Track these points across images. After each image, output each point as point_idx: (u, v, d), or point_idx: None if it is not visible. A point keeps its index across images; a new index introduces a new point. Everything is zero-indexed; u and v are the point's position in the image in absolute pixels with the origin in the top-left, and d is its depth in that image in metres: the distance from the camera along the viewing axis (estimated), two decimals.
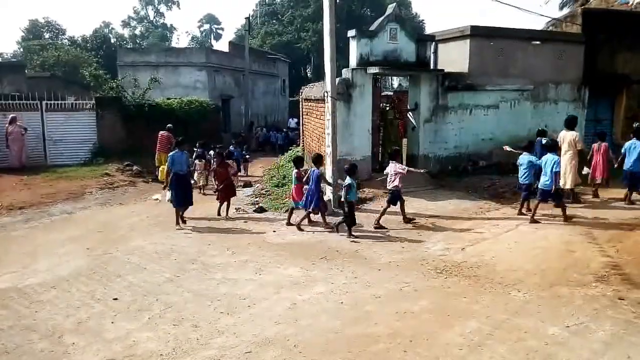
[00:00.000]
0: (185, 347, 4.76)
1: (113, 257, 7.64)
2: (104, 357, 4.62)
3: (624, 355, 4.38)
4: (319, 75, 38.43)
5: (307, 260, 7.23)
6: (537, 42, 13.89)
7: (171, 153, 9.79)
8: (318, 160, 9.37)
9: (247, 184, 14.45)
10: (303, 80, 37.79)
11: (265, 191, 12.93)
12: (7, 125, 15.61)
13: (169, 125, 15.50)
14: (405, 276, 6.49)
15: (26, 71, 27.30)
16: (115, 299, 5.98)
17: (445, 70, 12.78)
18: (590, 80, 14.65)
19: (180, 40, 76.96)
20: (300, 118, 17.32)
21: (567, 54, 14.28)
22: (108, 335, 5.07)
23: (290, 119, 29.04)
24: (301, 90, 17.21)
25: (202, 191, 13.32)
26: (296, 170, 9.61)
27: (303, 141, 16.75)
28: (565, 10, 26.49)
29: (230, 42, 36.17)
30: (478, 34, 13.16)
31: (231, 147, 16.86)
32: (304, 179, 9.40)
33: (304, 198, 9.25)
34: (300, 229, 9.06)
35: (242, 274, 6.75)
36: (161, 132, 15.16)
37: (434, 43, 13.41)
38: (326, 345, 4.69)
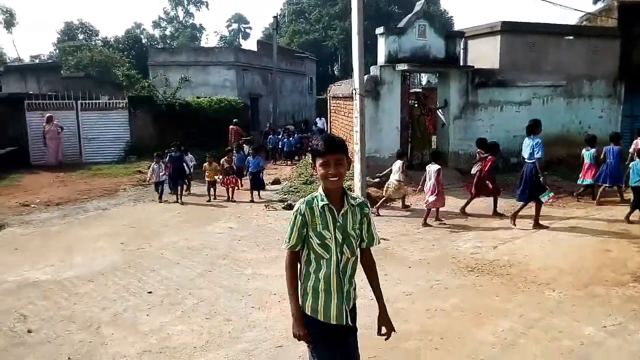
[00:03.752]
0: (218, 340, 4.85)
1: (146, 252, 7.82)
2: (139, 348, 4.74)
3: None
4: (346, 73, 38.41)
5: None
6: (570, 37, 13.56)
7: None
8: (618, 137, 10.00)
9: (276, 181, 14.55)
10: (330, 78, 37.83)
11: (294, 188, 13.00)
12: (44, 124, 16.14)
13: (235, 120, 18.17)
14: (436, 274, 6.45)
15: (62, 72, 28.11)
16: (150, 292, 6.12)
17: (475, 67, 12.62)
18: (626, 75, 14.23)
19: (209, 40, 77.93)
20: (328, 116, 17.35)
21: (601, 49, 13.90)
22: (143, 327, 5.19)
23: (317, 119, 26.06)
24: (329, 88, 17.24)
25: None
26: (595, 150, 9.99)
27: None
28: (599, 5, 25.76)
29: (258, 41, 36.49)
30: (509, 29, 12.94)
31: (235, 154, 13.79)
32: (602, 157, 9.82)
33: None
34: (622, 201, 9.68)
35: (272, 270, 6.81)
36: (231, 127, 17.74)
37: (463, 39, 13.25)
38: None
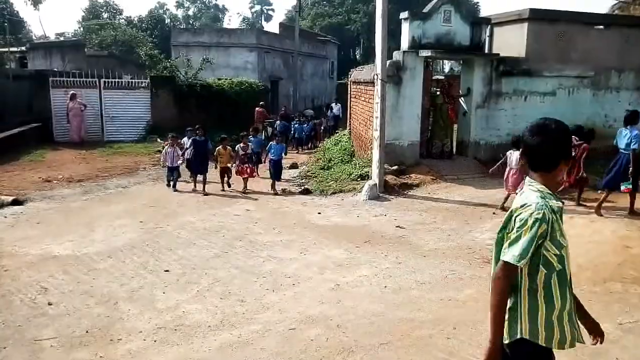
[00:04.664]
0: (232, 320, 4.92)
1: (164, 231, 7.94)
2: (155, 325, 4.83)
3: None
4: (367, 58, 38.05)
5: (351, 243, 7.27)
6: (601, 27, 13.16)
7: None
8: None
9: (294, 166, 14.57)
10: (352, 63, 37.53)
11: (311, 173, 13.01)
12: (68, 101, 16.38)
13: (261, 102, 19.14)
14: (450, 264, 6.42)
15: (85, 50, 28.39)
16: (167, 270, 6.22)
17: (500, 55, 12.36)
18: None
19: (231, 21, 78.15)
20: (348, 101, 17.24)
21: (633, 39, 13.45)
22: (159, 305, 5.29)
23: (333, 104, 24.26)
24: (350, 73, 17.10)
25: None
26: None
27: (350, 124, 16.69)
28: None
29: (280, 24, 36.36)
30: (537, 17, 12.60)
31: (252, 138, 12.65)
32: None
33: None
34: None
35: (288, 253, 6.87)
36: (257, 109, 18.35)
37: (489, 26, 12.97)
38: (369, 327, 4.73)
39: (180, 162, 11.17)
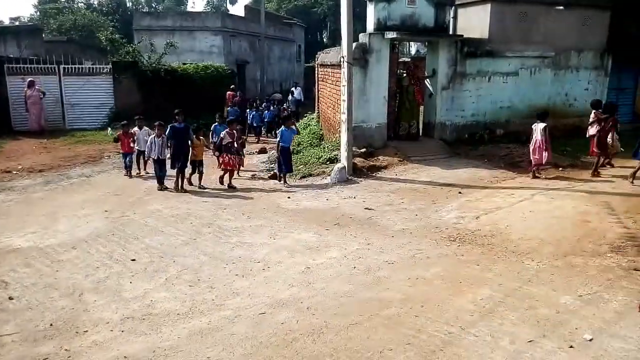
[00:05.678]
0: (201, 307, 4.89)
1: (131, 220, 7.79)
2: (122, 315, 4.76)
3: (637, 325, 4.38)
4: (335, 41, 37.81)
5: (320, 226, 7.29)
6: (561, 7, 13.41)
7: None
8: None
9: (262, 151, 14.46)
10: (319, 46, 37.29)
11: None
12: (26, 89, 15.75)
13: (232, 86, 19.20)
14: (418, 243, 6.52)
15: (43, 35, 27.25)
16: (133, 260, 6.12)
17: (464, 36, 12.48)
18: (614, 48, 14.18)
19: (195, 4, 76.10)
20: (316, 84, 17.14)
21: (591, 20, 13.78)
22: (126, 294, 5.22)
23: (293, 88, 22.38)
24: (317, 56, 16.97)
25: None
26: None
27: (318, 108, 16.63)
28: None
29: (246, 6, 35.64)
30: None
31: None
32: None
33: None
34: None
35: (257, 238, 6.84)
36: (228, 92, 18.41)
37: (453, 7, 13.05)
38: (338, 309, 4.77)
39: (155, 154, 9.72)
